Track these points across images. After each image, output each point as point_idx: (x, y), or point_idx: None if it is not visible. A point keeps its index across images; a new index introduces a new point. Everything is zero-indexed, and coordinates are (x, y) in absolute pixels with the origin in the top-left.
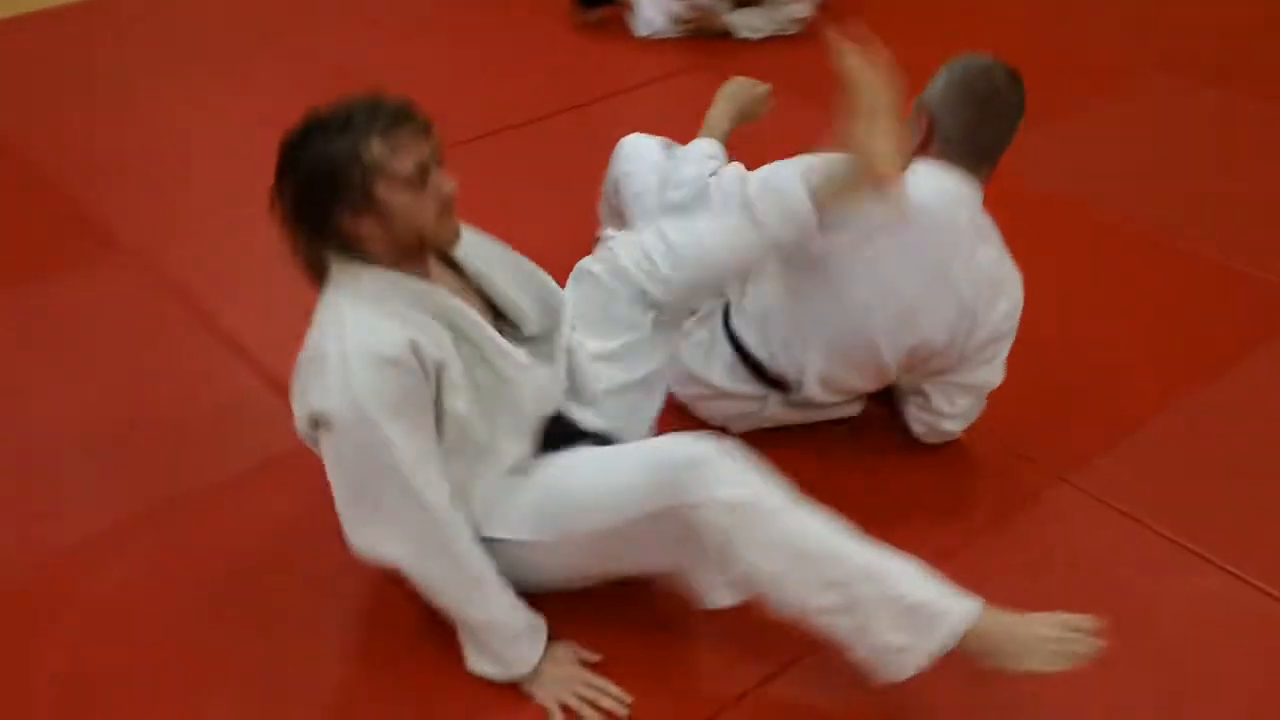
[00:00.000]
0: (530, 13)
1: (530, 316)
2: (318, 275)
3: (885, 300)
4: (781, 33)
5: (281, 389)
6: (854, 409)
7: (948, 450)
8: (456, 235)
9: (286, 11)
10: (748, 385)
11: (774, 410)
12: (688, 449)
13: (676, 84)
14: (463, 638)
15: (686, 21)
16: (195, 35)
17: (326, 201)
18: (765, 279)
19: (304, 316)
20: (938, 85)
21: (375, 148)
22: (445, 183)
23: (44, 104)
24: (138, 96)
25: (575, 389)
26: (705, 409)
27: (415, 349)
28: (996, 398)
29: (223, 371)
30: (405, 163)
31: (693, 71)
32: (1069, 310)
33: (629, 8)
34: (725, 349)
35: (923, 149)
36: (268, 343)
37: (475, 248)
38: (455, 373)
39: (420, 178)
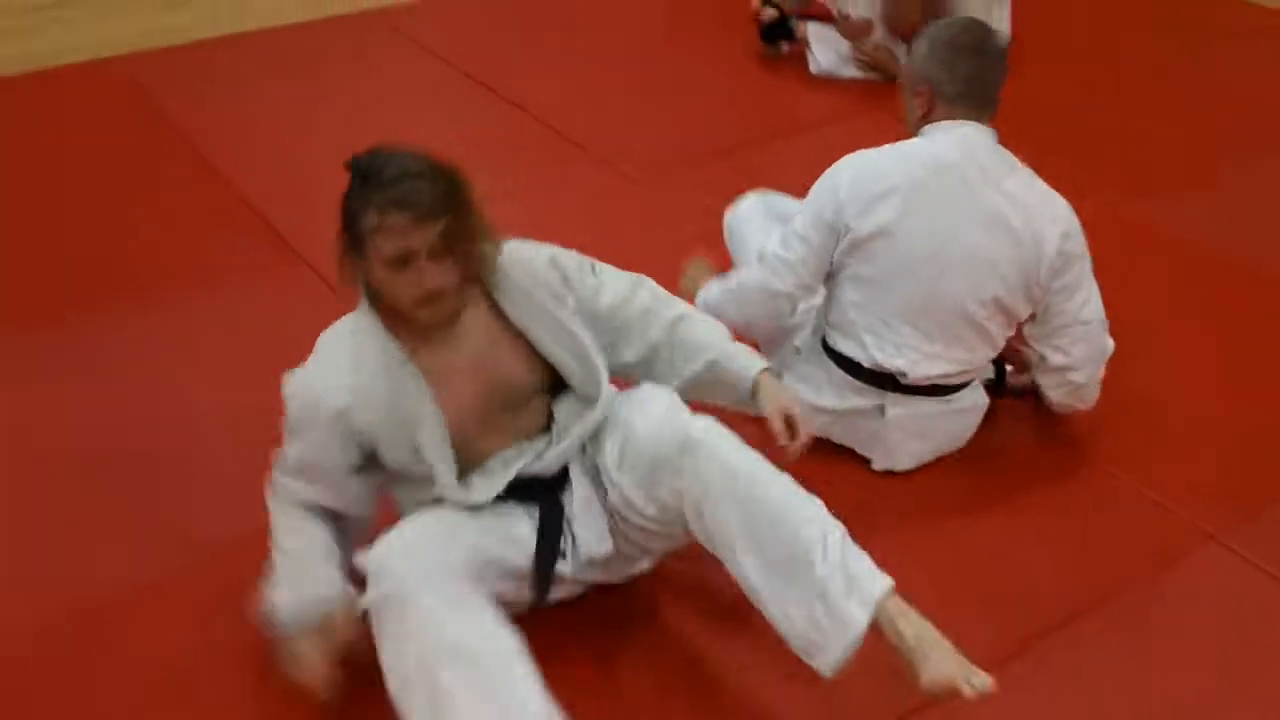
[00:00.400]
0: (716, 41)
1: (573, 370)
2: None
3: (948, 256)
4: None
5: None
6: (976, 398)
7: (1086, 494)
8: (440, 321)
9: (476, 43)
10: (859, 396)
11: (896, 414)
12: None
13: (847, 127)
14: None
15: (863, 63)
16: (390, 64)
17: (345, 239)
18: (837, 285)
19: None
20: (925, 53)
21: (370, 218)
22: (430, 277)
23: (241, 119)
24: (321, 119)
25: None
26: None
27: (342, 414)
28: (1150, 447)
29: None
30: (387, 246)
31: (864, 114)
32: (1230, 368)
33: (808, 45)
34: (829, 369)
35: (926, 116)
36: None
37: (521, 297)
38: (385, 445)
39: (399, 263)
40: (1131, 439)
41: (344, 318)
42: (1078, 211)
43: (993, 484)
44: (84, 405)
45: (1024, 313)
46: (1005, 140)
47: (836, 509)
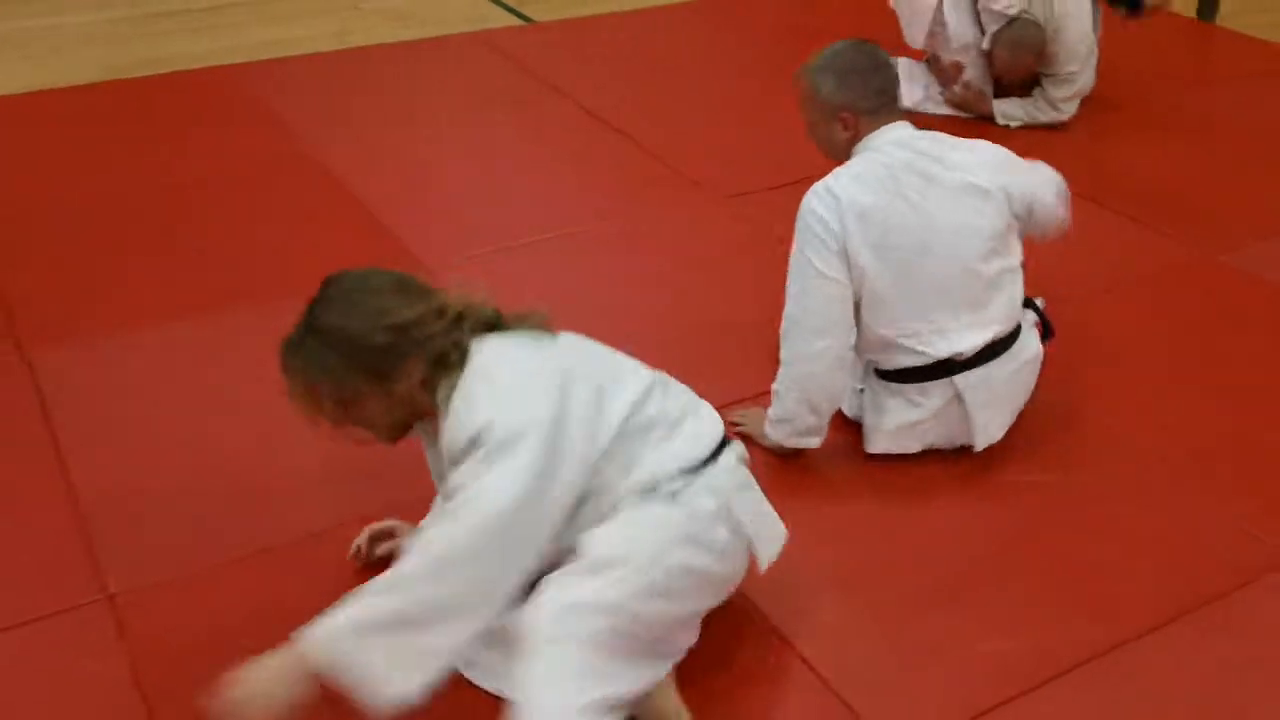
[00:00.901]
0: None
1: None
2: None
3: (941, 241)
4: (1037, 124)
5: None
6: (1033, 343)
7: (1172, 518)
8: (391, 445)
9: (572, 65)
10: (937, 395)
11: (973, 394)
12: None
13: None
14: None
15: (952, 102)
16: (489, 82)
17: None
18: (859, 317)
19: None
20: (834, 84)
21: None
22: (345, 435)
23: (365, 130)
24: (426, 131)
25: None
26: (918, 443)
27: None
28: (1228, 470)
29: None
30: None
31: None
32: None
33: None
34: (896, 390)
35: (854, 138)
36: None
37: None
38: None
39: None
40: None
41: None
42: (1175, 268)
43: (1085, 497)
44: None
45: (1014, 240)
46: (1094, 197)
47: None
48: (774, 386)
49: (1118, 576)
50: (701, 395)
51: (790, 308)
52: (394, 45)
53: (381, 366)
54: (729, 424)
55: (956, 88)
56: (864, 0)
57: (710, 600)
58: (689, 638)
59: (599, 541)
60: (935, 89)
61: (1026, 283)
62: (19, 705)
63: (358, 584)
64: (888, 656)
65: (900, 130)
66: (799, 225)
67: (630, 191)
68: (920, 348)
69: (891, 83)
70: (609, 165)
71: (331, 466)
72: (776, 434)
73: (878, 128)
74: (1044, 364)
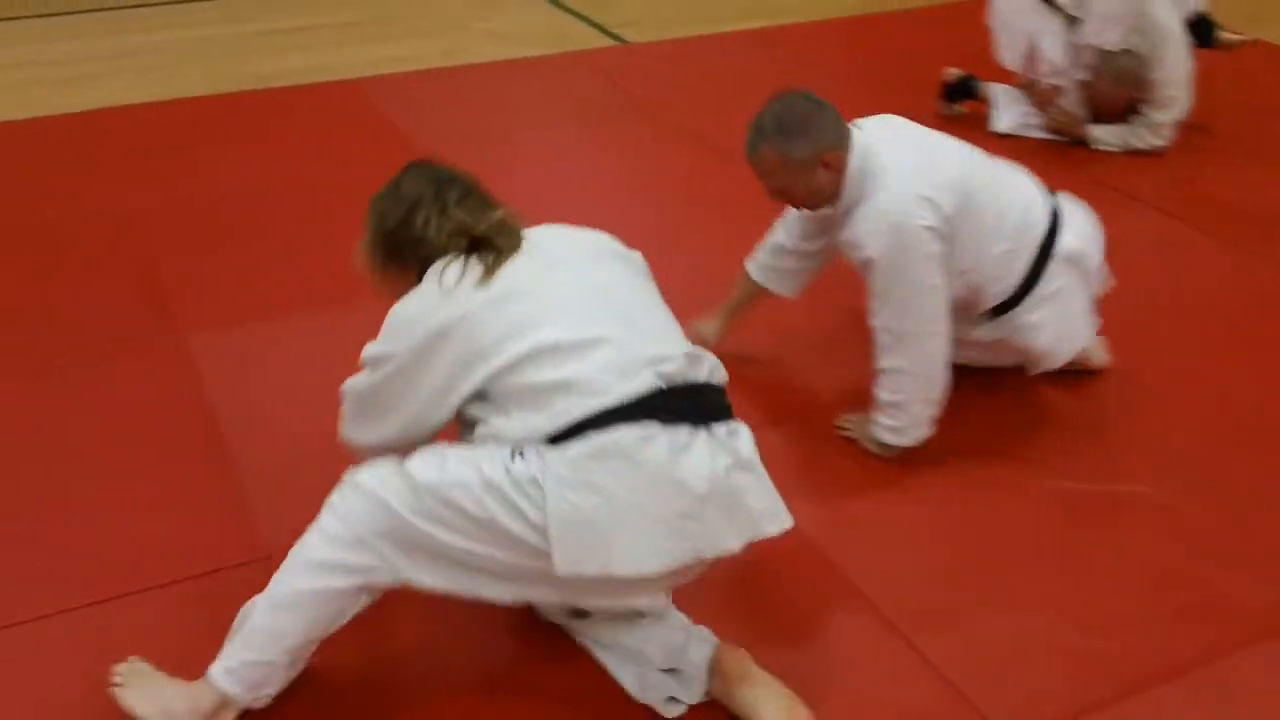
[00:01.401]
0: (899, 96)
1: None
2: None
3: (987, 189)
4: (1133, 150)
5: None
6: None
7: (1269, 532)
8: None
9: (668, 86)
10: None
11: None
12: None
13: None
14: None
15: (1050, 126)
16: (590, 99)
17: None
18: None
19: None
20: (800, 140)
21: None
22: None
23: (471, 142)
24: (545, 145)
25: None
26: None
27: None
28: None
29: None
30: None
31: (1048, 173)
32: None
33: (990, 103)
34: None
35: (841, 170)
36: None
37: None
38: None
39: None
40: None
41: None
42: (1266, 293)
43: (1178, 508)
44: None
45: None
46: (1187, 219)
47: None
48: (888, 398)
49: (1216, 586)
50: (778, 392)
51: (893, 323)
52: (498, 63)
53: (388, 256)
54: (835, 428)
55: (1054, 111)
56: (958, 24)
57: (504, 580)
58: (503, 592)
59: (425, 454)
60: (1031, 114)
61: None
62: (184, 652)
63: None
64: (998, 650)
65: (869, 129)
66: (895, 241)
67: (723, 206)
68: (1004, 288)
69: (832, 107)
70: (701, 181)
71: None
72: (904, 439)
73: (849, 149)
74: (1128, 382)
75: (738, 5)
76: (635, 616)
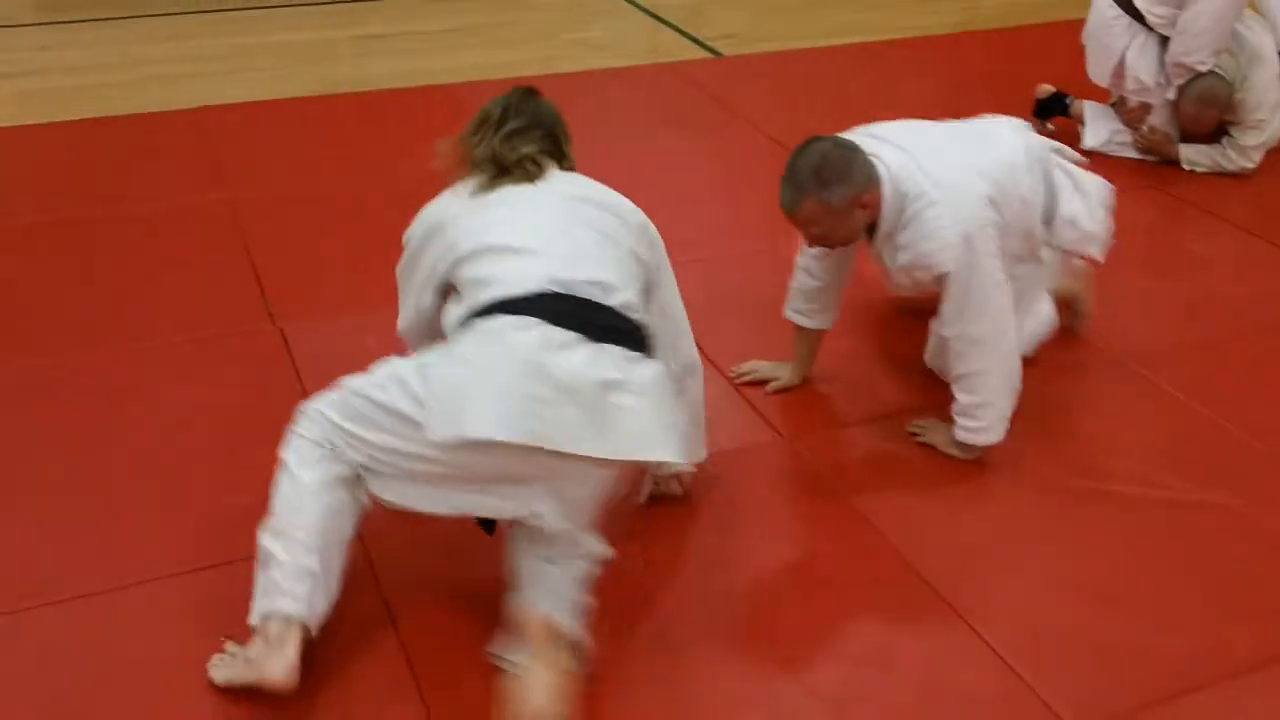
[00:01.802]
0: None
1: None
2: None
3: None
4: (1223, 172)
5: None
6: None
7: None
8: None
9: (766, 100)
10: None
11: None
12: None
13: (1120, 200)
14: None
15: (1140, 145)
16: (684, 108)
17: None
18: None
19: None
20: (839, 188)
21: None
22: None
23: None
24: (640, 151)
25: None
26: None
27: None
28: None
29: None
30: None
31: (1136, 190)
32: None
33: (1080, 121)
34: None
35: (878, 204)
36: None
37: None
38: None
39: None
40: None
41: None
42: None
43: (1251, 516)
44: None
45: None
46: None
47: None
48: (971, 400)
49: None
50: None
51: (972, 328)
52: (595, 72)
53: (459, 160)
54: (909, 433)
55: (1144, 129)
56: (1053, 43)
57: (438, 487)
58: (437, 503)
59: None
60: (1120, 132)
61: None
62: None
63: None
64: (1064, 643)
65: (884, 156)
66: (966, 249)
67: None
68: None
69: (861, 151)
70: None
71: None
72: (986, 439)
73: (879, 177)
74: (1206, 394)
75: (833, 21)
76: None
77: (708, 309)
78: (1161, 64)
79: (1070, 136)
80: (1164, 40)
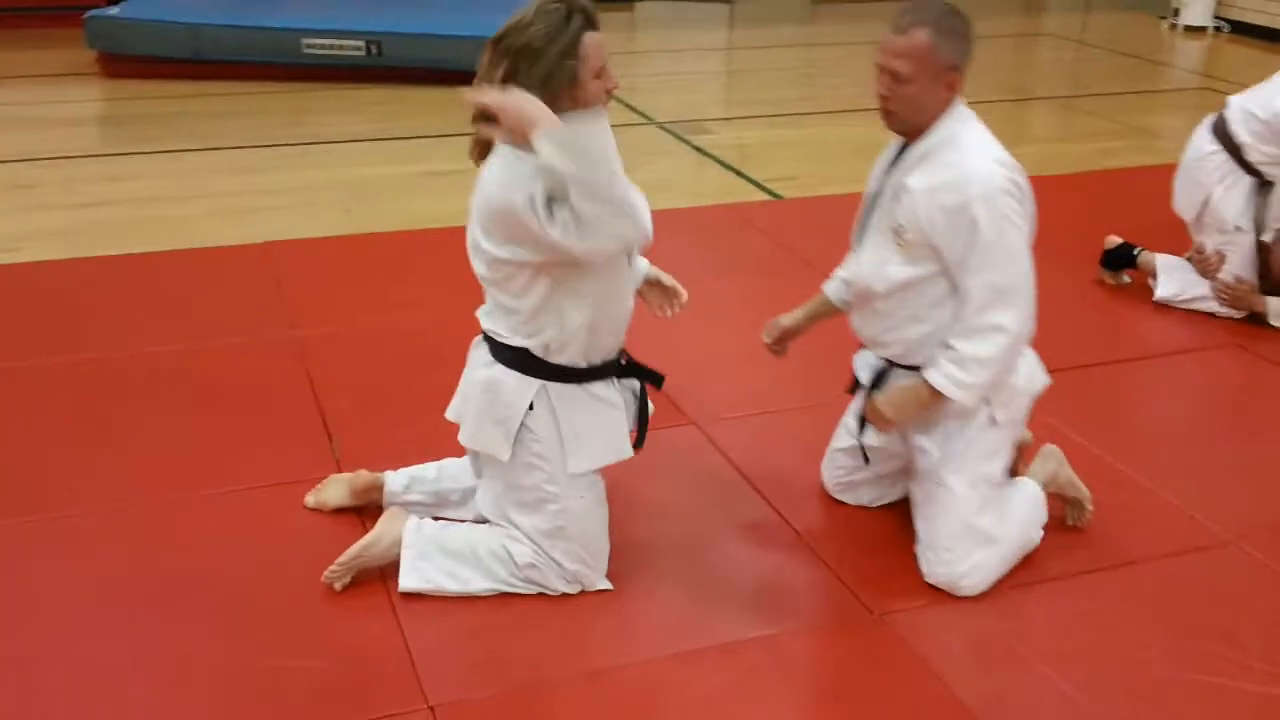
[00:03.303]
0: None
1: None
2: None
3: None
4: None
5: None
6: None
7: None
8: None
9: (827, 243)
10: None
11: None
12: None
13: (1196, 358)
14: None
15: (1223, 297)
16: (748, 251)
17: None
18: None
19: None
20: (956, 42)
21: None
22: (613, 79)
23: None
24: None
25: None
26: None
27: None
28: None
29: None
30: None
31: (1218, 349)
32: None
33: (1150, 273)
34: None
35: (951, 101)
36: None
37: None
38: None
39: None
40: None
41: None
42: None
43: None
44: None
45: None
46: None
47: None
48: (979, 353)
49: None
50: None
51: (997, 276)
52: (657, 212)
53: None
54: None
55: (1224, 276)
56: (1116, 191)
57: None
58: None
59: None
60: (1195, 284)
61: None
62: None
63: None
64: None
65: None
66: (998, 204)
67: None
68: None
69: None
70: None
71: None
72: (970, 400)
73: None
74: None
75: None
76: None
77: (768, 460)
78: (1246, 207)
79: (1146, 290)
80: (1258, 184)
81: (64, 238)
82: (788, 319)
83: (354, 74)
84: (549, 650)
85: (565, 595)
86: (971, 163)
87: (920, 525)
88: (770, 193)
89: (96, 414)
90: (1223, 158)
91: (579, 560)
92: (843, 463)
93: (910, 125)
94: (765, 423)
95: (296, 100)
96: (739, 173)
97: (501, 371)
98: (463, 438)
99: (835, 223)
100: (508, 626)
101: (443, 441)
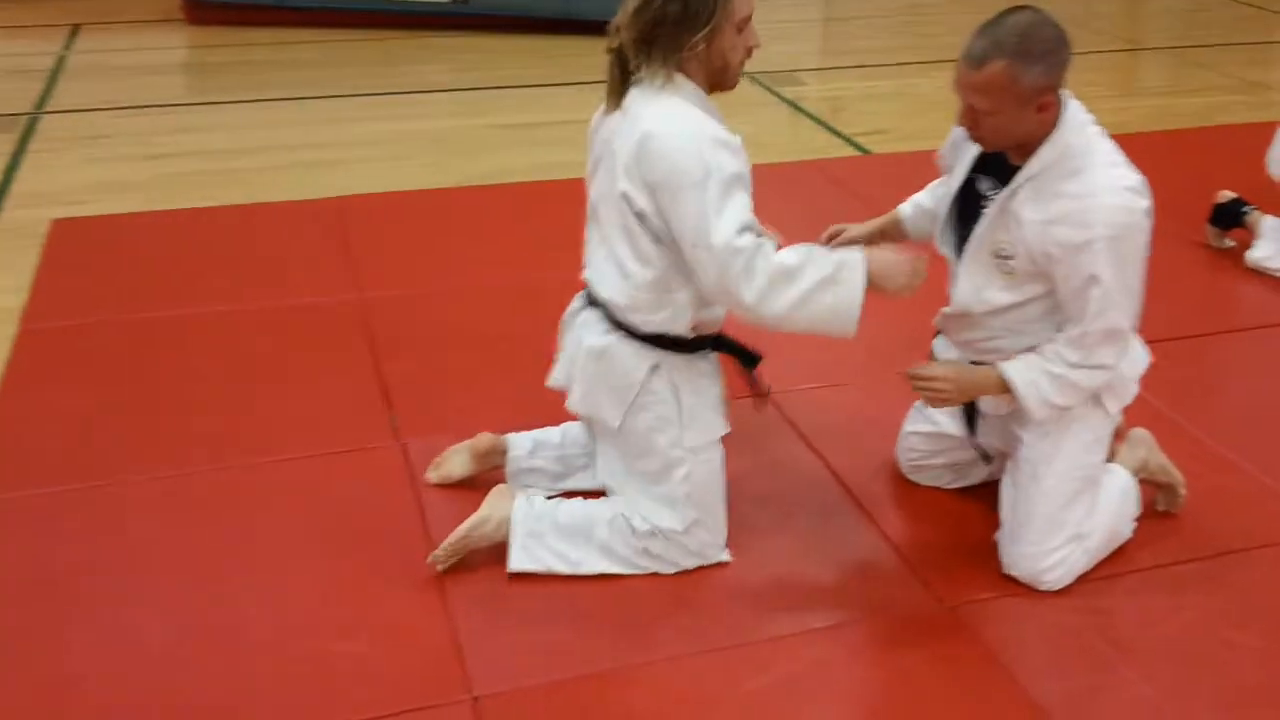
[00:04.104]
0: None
1: None
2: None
3: None
4: None
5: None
6: None
7: None
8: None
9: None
10: None
11: None
12: None
13: None
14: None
15: None
16: (829, 207)
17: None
18: None
19: None
20: (1039, 67)
21: None
22: (755, 36)
23: None
24: None
25: None
26: None
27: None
28: None
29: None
30: (744, 8)
31: None
32: None
33: (1256, 233)
34: None
35: (1054, 118)
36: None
37: None
38: None
39: (745, 23)
40: None
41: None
42: None
43: None
44: None
45: None
46: None
47: None
48: (1082, 384)
49: None
50: None
51: (1121, 322)
52: None
53: None
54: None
55: None
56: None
57: None
58: None
59: None
60: None
61: None
62: None
63: None
64: None
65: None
66: (1125, 246)
67: None
68: None
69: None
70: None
71: None
72: (1042, 414)
73: (1065, 100)
74: None
75: None
76: None
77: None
78: None
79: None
80: None
81: (134, 191)
82: (855, 229)
83: (441, 21)
84: (603, 640)
85: (623, 581)
86: (1098, 194)
87: (1005, 513)
88: (859, 148)
89: (150, 377)
90: None
91: (704, 528)
92: (916, 445)
93: (1009, 148)
94: (837, 396)
95: (383, 49)
96: (829, 127)
97: (618, 340)
98: (572, 402)
99: (922, 181)
100: (562, 614)
101: (508, 409)
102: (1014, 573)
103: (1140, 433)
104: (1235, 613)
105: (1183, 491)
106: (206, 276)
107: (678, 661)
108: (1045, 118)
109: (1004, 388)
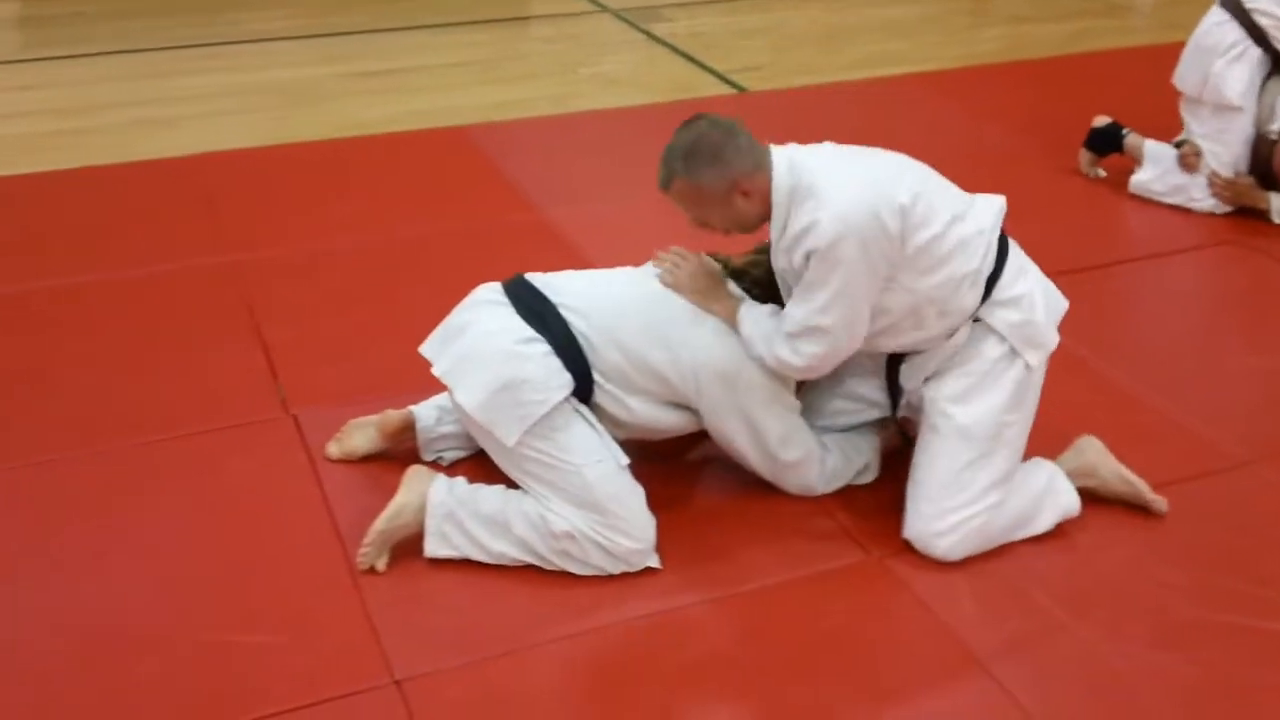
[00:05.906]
0: (1030, 154)
1: None
2: None
3: None
4: None
5: None
6: None
7: None
8: None
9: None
10: None
11: None
12: None
13: (1196, 260)
14: None
15: (1221, 194)
16: None
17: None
18: None
19: None
20: (712, 168)
21: None
22: None
23: (585, 191)
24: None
25: None
26: None
27: None
28: None
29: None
30: None
31: (1215, 247)
32: None
33: (1136, 158)
34: None
35: (765, 195)
36: None
37: None
38: None
39: None
40: None
41: None
42: None
43: None
44: None
45: None
46: None
47: None
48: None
49: None
50: None
51: (822, 318)
52: (610, 110)
53: None
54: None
55: (1222, 170)
56: (1097, 74)
57: None
58: None
59: None
60: (1175, 175)
61: None
62: None
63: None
64: None
65: (783, 151)
66: (850, 224)
67: None
68: None
69: (745, 130)
70: None
71: None
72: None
73: (768, 169)
74: None
75: (862, 52)
76: None
77: None
78: (1250, 85)
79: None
80: (1268, 62)
81: None
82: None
83: None
84: (522, 616)
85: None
86: (822, 208)
87: (910, 473)
88: (734, 85)
89: (6, 357)
90: (1231, 26)
91: (621, 532)
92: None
93: (744, 230)
94: None
95: None
96: (699, 63)
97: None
98: (467, 403)
99: (808, 118)
100: (476, 592)
101: (398, 377)
102: (908, 534)
103: (1088, 440)
104: (1163, 550)
105: (1151, 497)
106: (56, 247)
107: (603, 632)
108: (753, 198)
109: (732, 317)
